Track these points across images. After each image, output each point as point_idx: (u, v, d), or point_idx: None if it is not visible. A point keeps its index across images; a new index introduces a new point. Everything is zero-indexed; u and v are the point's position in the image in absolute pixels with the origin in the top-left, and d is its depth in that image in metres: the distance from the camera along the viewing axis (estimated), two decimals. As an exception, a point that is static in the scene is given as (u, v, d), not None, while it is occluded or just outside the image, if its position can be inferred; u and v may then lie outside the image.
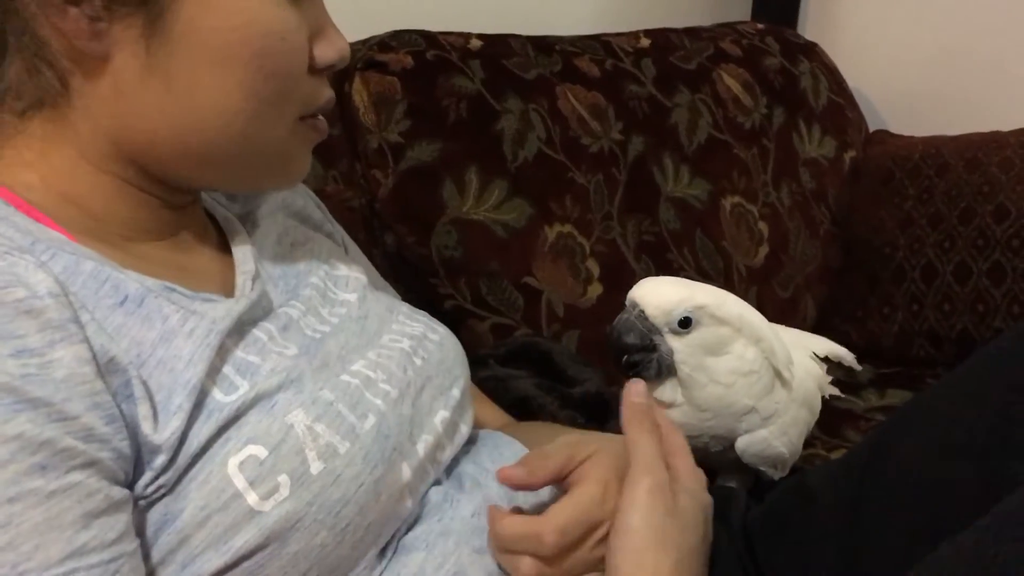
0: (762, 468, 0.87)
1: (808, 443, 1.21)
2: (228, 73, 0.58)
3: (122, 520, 0.50)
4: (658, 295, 0.79)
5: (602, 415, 1.04)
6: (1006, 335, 0.65)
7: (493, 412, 0.87)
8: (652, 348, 0.80)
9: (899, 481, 0.64)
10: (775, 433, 0.85)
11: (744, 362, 0.81)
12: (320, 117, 0.66)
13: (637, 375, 0.80)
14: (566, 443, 0.64)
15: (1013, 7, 1.70)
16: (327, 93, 0.65)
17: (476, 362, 1.06)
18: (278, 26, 0.59)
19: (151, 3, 0.56)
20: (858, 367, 1.00)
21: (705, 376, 0.80)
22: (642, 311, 0.79)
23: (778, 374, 0.84)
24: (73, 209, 0.59)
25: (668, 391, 0.82)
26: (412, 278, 1.18)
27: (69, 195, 0.59)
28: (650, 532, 0.58)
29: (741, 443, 0.84)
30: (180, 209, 0.65)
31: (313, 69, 0.62)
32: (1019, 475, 0.55)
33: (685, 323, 0.79)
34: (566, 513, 0.60)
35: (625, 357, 0.80)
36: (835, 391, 0.99)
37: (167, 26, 0.56)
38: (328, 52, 0.63)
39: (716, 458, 0.87)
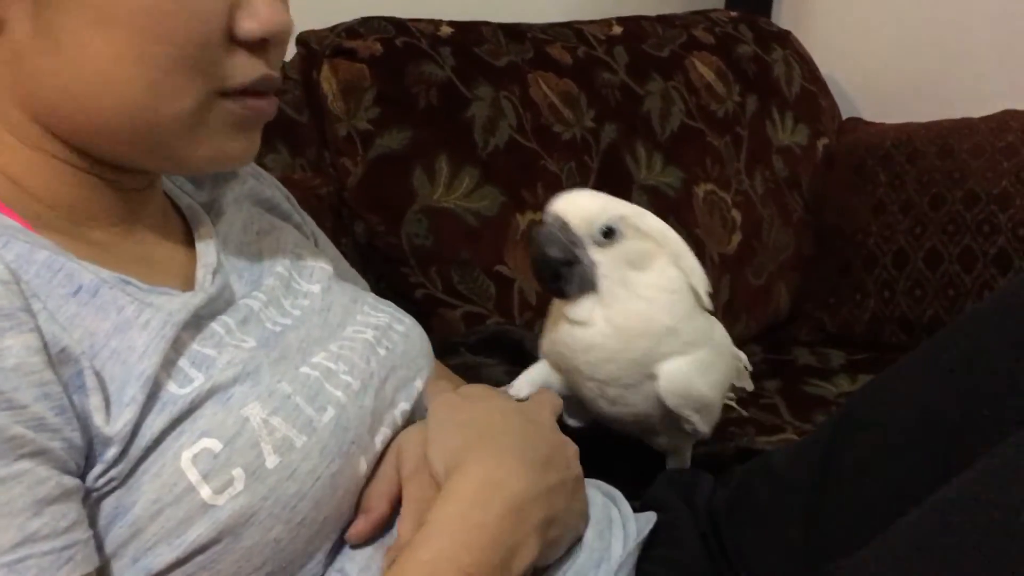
0: (687, 415, 0.81)
1: (778, 428, 1.22)
2: (114, 35, 0.54)
3: (74, 508, 0.49)
4: (580, 206, 0.77)
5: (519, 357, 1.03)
6: (966, 313, 0.65)
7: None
8: (574, 262, 0.77)
9: (864, 455, 0.64)
10: (696, 367, 0.80)
11: (665, 279, 0.78)
12: (260, 96, 0.60)
13: (559, 291, 0.77)
14: (382, 472, 0.62)
15: (984, -5, 1.71)
16: (257, 70, 0.59)
17: (447, 350, 1.06)
18: None
19: None
20: (750, 386, 0.96)
21: (626, 291, 0.77)
22: (565, 223, 0.76)
23: (698, 298, 0.81)
24: (20, 192, 0.58)
25: (586, 308, 0.78)
26: (383, 267, 1.17)
27: (11, 175, 0.58)
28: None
29: (663, 375, 0.78)
30: (133, 193, 0.63)
31: (235, 40, 0.58)
32: (977, 447, 0.55)
33: (608, 233, 0.76)
34: (410, 521, 0.60)
35: (547, 274, 0.77)
36: (749, 384, 0.95)
37: None
38: (249, 23, 0.57)
39: (635, 406, 0.81)
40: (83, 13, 0.54)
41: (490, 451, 0.60)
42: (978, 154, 1.47)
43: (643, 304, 0.77)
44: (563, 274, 0.77)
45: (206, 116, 0.58)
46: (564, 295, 0.78)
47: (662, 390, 0.79)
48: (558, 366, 0.83)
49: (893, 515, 0.54)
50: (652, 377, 0.79)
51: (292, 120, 1.16)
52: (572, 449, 0.66)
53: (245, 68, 0.59)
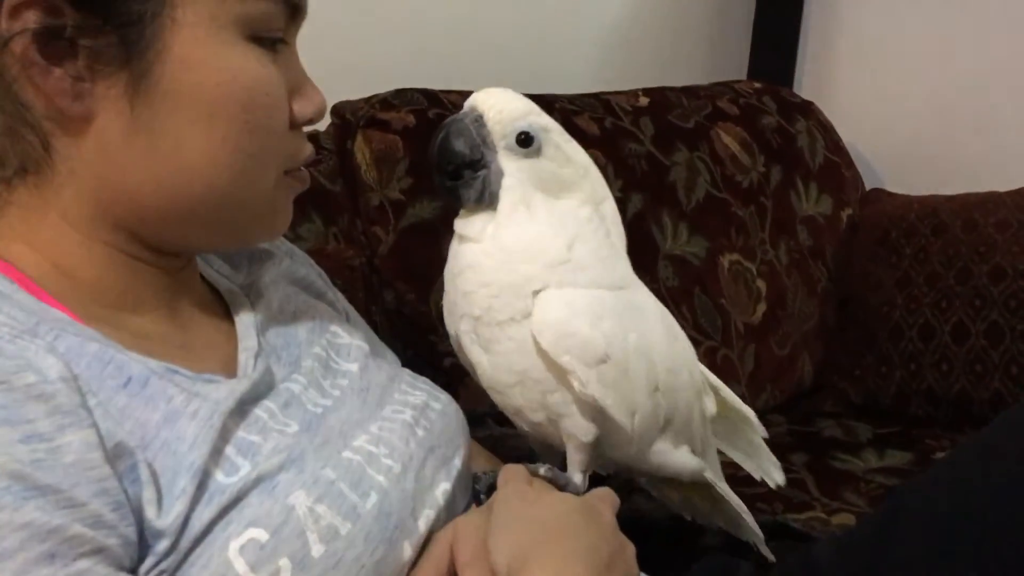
0: (567, 364, 0.66)
1: (807, 505, 1.20)
2: (214, 129, 0.58)
3: None
4: (503, 101, 0.68)
5: (598, 475, 1.03)
6: (1018, 408, 0.65)
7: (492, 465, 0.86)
8: (480, 164, 0.67)
9: (915, 555, 0.63)
10: (587, 304, 0.67)
11: (576, 216, 0.69)
12: (303, 169, 0.66)
13: (454, 194, 0.69)
14: (434, 554, 0.62)
15: (1008, 67, 1.73)
16: (308, 148, 0.66)
17: (474, 421, 1.05)
18: (261, 81, 0.60)
19: (134, 62, 0.56)
20: (764, 433, 0.85)
21: (528, 212, 0.68)
22: (480, 117, 0.68)
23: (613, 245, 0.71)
24: (67, 281, 0.59)
25: (478, 224, 0.68)
26: (411, 335, 1.17)
27: (61, 266, 0.59)
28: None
29: (538, 302, 0.66)
30: (174, 275, 0.65)
31: (293, 124, 0.63)
32: None
33: (526, 141, 0.67)
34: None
35: (448, 168, 0.68)
36: (712, 406, 0.80)
37: (151, 84, 0.56)
38: (306, 107, 0.64)
39: (510, 357, 0.69)
40: (185, 112, 0.57)
41: (556, 554, 0.60)
42: (1004, 229, 1.47)
43: (543, 228, 0.68)
44: (464, 176, 0.68)
45: (278, 193, 0.64)
46: (459, 200, 0.69)
47: (534, 321, 0.66)
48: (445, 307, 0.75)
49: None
50: (530, 315, 0.67)
51: (326, 189, 1.18)
52: (631, 550, 0.66)
53: (302, 147, 0.65)
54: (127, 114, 0.57)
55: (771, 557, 0.84)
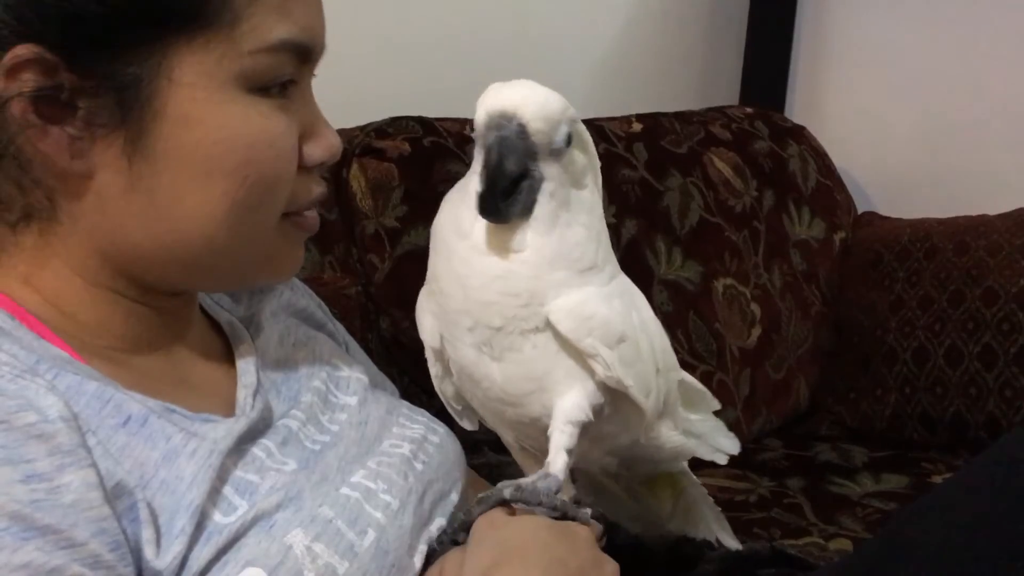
0: (590, 347, 0.64)
1: (804, 531, 1.20)
2: (212, 185, 0.58)
3: None
4: (542, 105, 0.61)
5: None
6: (1014, 433, 0.65)
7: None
8: (526, 176, 0.61)
9: None
10: (596, 295, 0.65)
11: (595, 208, 0.66)
12: (309, 212, 0.65)
13: (501, 212, 0.61)
14: None
15: (997, 92, 1.74)
16: (316, 189, 0.64)
17: (471, 449, 1.06)
18: (264, 135, 0.59)
19: (131, 122, 0.56)
20: (718, 406, 0.81)
21: (568, 214, 0.63)
22: (523, 127, 0.60)
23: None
24: (68, 321, 0.59)
25: (516, 234, 0.62)
26: (407, 363, 1.17)
27: (62, 308, 0.59)
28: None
29: (555, 303, 0.63)
30: (175, 314, 0.65)
31: (302, 168, 0.62)
32: None
33: (568, 141, 0.62)
34: None
35: (502, 189, 0.61)
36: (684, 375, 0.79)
37: (148, 143, 0.56)
38: (317, 151, 0.62)
39: (528, 363, 0.66)
40: (183, 169, 0.57)
41: (517, 569, 0.60)
42: (995, 252, 1.48)
43: (582, 232, 0.64)
44: (514, 192, 0.61)
45: (278, 238, 0.62)
46: (504, 217, 0.62)
47: (553, 315, 0.63)
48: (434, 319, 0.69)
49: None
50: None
51: (321, 218, 1.17)
52: (611, 568, 0.66)
53: (308, 189, 0.63)
54: (126, 172, 0.57)
55: (737, 545, 0.82)
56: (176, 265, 0.60)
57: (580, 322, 0.64)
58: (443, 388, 0.76)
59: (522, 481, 0.66)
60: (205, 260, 0.60)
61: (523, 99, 0.61)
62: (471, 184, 0.64)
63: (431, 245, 0.69)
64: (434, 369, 0.75)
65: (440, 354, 0.72)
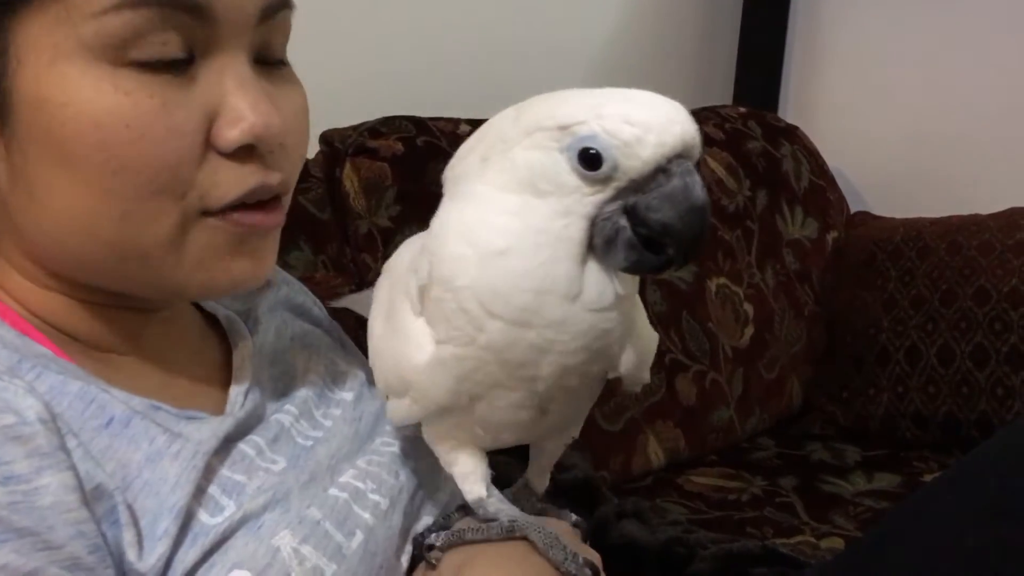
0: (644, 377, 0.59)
1: (796, 530, 1.21)
2: (76, 173, 0.52)
3: None
4: (697, 137, 0.52)
5: (589, 502, 1.03)
6: (1000, 434, 0.65)
7: None
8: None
9: None
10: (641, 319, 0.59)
11: None
12: (252, 211, 0.55)
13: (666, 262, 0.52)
14: None
15: (991, 91, 1.75)
16: (246, 182, 0.54)
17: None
18: (116, 113, 0.51)
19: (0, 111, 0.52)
20: None
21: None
22: (697, 165, 0.52)
23: None
24: (45, 323, 0.58)
25: (617, 284, 0.53)
26: (400, 362, 1.17)
27: (34, 312, 0.58)
28: None
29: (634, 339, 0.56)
30: (156, 315, 0.62)
31: (220, 153, 0.53)
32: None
33: None
34: None
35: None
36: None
37: (16, 130, 0.53)
38: (232, 132, 0.53)
39: (578, 405, 0.60)
40: (45, 156, 0.52)
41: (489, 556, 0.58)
42: (987, 251, 1.49)
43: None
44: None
45: (188, 239, 0.54)
46: (658, 269, 0.53)
47: (627, 360, 0.56)
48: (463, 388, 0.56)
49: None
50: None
51: (315, 217, 1.18)
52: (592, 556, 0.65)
53: (230, 182, 0.54)
54: (6, 163, 0.54)
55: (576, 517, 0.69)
56: (83, 264, 0.56)
57: (647, 357, 0.59)
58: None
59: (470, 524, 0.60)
60: (102, 260, 0.55)
61: (693, 139, 0.52)
62: (570, 231, 0.52)
63: (473, 316, 0.54)
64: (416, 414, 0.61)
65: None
